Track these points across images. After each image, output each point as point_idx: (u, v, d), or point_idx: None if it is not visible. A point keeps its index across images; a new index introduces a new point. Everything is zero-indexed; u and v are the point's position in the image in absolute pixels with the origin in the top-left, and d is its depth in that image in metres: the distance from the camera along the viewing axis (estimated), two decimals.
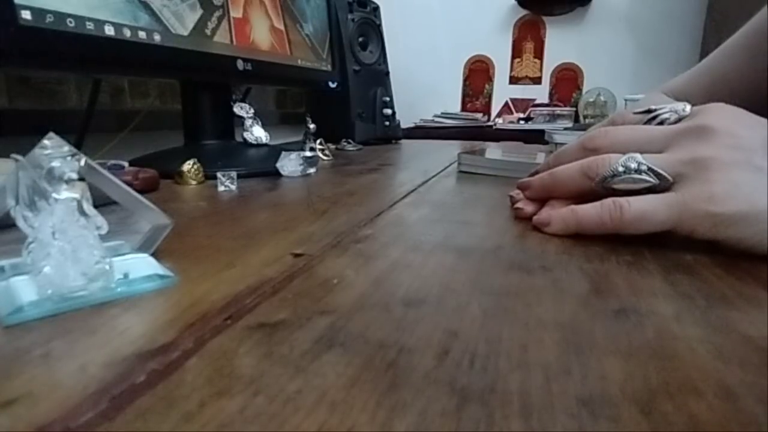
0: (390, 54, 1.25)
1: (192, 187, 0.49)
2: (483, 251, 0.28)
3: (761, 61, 0.51)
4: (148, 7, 0.49)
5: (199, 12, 0.55)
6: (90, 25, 0.43)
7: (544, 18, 2.04)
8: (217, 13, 0.58)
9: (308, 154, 0.59)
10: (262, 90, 1.28)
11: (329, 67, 0.85)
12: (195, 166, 0.51)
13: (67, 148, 0.20)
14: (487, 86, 2.14)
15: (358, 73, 1.11)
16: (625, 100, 1.60)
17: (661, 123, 0.32)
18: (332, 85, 0.86)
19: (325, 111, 1.08)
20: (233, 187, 0.48)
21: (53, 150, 0.20)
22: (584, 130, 0.61)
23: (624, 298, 0.21)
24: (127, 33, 0.47)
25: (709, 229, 0.26)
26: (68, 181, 0.19)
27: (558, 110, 1.92)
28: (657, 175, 0.28)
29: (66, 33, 0.41)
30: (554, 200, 0.34)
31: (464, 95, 2.17)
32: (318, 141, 0.77)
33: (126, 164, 0.49)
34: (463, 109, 2.14)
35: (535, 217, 0.33)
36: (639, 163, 0.29)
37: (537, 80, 2.09)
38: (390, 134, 1.17)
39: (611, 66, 1.98)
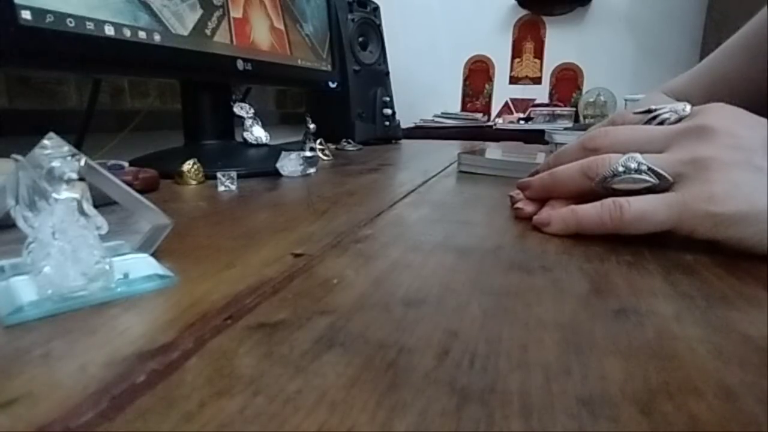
0: (390, 54, 1.25)
1: (192, 187, 0.49)
2: (483, 251, 0.28)
3: (761, 61, 0.51)
4: (148, 7, 0.49)
5: (199, 12, 0.55)
6: (90, 25, 0.43)
7: (544, 18, 2.04)
8: (217, 13, 0.58)
9: (308, 154, 0.59)
10: (262, 90, 1.28)
11: (329, 67, 0.85)
12: (195, 166, 0.51)
13: (67, 148, 0.20)
14: (487, 86, 2.14)
15: (358, 73, 1.11)
16: (625, 100, 1.60)
17: (661, 123, 0.32)
18: (332, 85, 0.86)
19: (325, 111, 1.08)
20: (233, 187, 0.48)
21: (53, 150, 0.20)
22: (584, 130, 0.62)
23: (624, 298, 0.21)
24: (127, 33, 0.47)
25: (709, 229, 0.26)
26: (68, 181, 0.19)
27: (558, 110, 1.92)
28: (657, 175, 0.28)
29: (66, 33, 0.41)
30: (554, 200, 0.34)
31: (464, 95, 2.17)
32: (318, 141, 0.77)
33: (126, 164, 0.49)
34: (463, 109, 2.14)
35: (535, 217, 0.33)
36: (639, 163, 0.29)
37: (537, 80, 2.09)
38: (390, 134, 1.18)
39: (611, 66, 1.98)
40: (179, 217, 0.35)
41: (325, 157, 0.75)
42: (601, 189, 0.31)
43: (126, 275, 0.21)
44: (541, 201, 0.35)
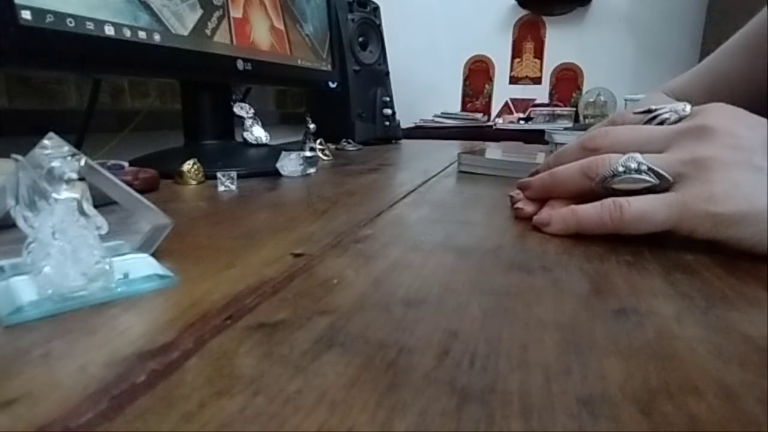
0: (390, 54, 1.25)
1: (192, 187, 0.49)
2: (483, 251, 0.28)
3: (761, 61, 0.51)
4: (148, 7, 0.49)
5: (199, 12, 0.55)
6: (90, 25, 0.43)
7: (544, 18, 2.04)
8: (217, 13, 0.58)
9: (308, 154, 0.59)
10: (262, 90, 1.28)
11: (329, 67, 0.85)
12: (195, 166, 0.51)
13: (67, 148, 0.20)
14: (487, 86, 2.14)
15: (358, 73, 1.11)
16: (625, 100, 1.60)
17: (662, 123, 0.32)
18: (332, 85, 0.86)
19: (325, 111, 1.08)
20: (233, 187, 0.48)
21: (53, 150, 0.20)
22: (584, 130, 0.62)
23: (624, 298, 0.21)
24: (127, 33, 0.47)
25: (709, 229, 0.26)
26: (68, 181, 0.19)
27: (558, 110, 1.92)
28: (657, 175, 0.28)
29: (66, 33, 0.41)
30: (554, 200, 0.34)
31: (464, 95, 2.17)
32: (318, 141, 0.77)
33: (126, 164, 0.49)
34: (463, 109, 2.14)
35: (535, 217, 0.33)
36: (639, 163, 0.29)
37: (537, 80, 2.09)
38: (390, 134, 1.17)
39: (611, 66, 1.98)
40: (179, 217, 0.35)
41: (325, 157, 0.75)
42: (601, 189, 0.31)
43: (126, 275, 0.21)
44: (541, 201, 0.35)
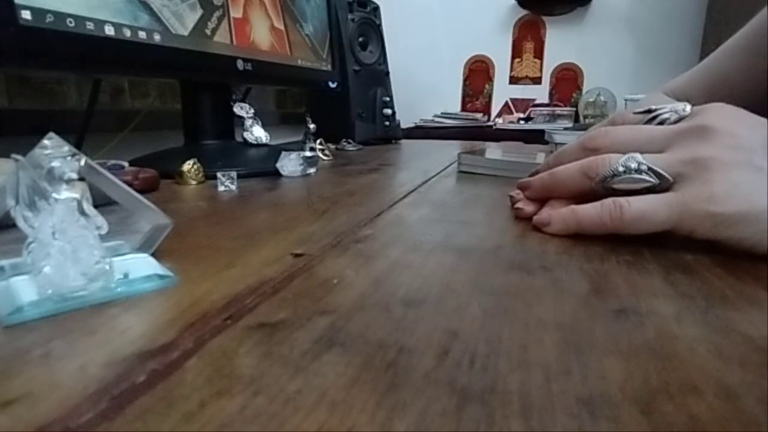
0: (390, 54, 1.25)
1: (192, 187, 0.49)
2: (483, 251, 0.28)
3: (762, 61, 0.51)
4: (148, 7, 0.49)
5: (199, 12, 0.55)
6: (90, 25, 0.43)
7: (544, 18, 2.04)
8: (217, 13, 0.58)
9: (308, 154, 0.59)
10: (262, 90, 1.28)
11: (329, 67, 0.85)
12: (195, 166, 0.51)
13: (67, 148, 0.20)
14: (487, 86, 2.14)
15: (358, 73, 1.11)
16: (625, 100, 1.60)
17: (662, 123, 0.32)
18: (332, 85, 0.86)
19: (325, 111, 1.08)
20: (233, 187, 0.48)
21: (53, 150, 0.20)
22: (584, 130, 0.62)
23: (624, 298, 0.21)
24: (127, 33, 0.47)
25: (709, 229, 0.26)
26: (68, 181, 0.19)
27: (558, 110, 1.92)
28: (657, 175, 0.28)
29: (66, 33, 0.41)
30: (554, 200, 0.34)
31: (464, 95, 2.17)
32: (318, 141, 0.77)
33: (126, 164, 0.49)
34: (463, 109, 2.14)
35: (535, 217, 0.33)
36: (639, 163, 0.29)
37: (537, 80, 2.09)
38: (390, 134, 1.17)
39: (611, 66, 1.98)
40: (179, 217, 0.35)
41: (325, 157, 0.75)
42: (601, 189, 0.31)
43: (126, 275, 0.21)
44: (541, 201, 0.35)
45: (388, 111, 1.16)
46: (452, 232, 0.32)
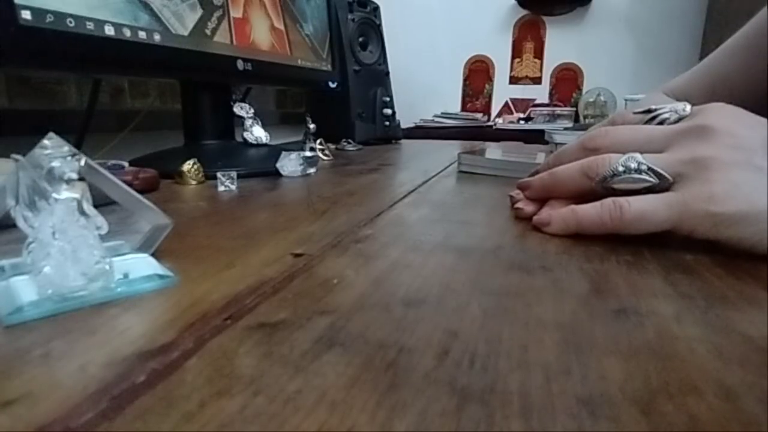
0: (390, 54, 1.25)
1: (192, 187, 0.49)
2: (483, 251, 0.28)
3: (761, 61, 0.51)
4: (148, 7, 0.49)
5: (199, 12, 0.55)
6: (90, 25, 0.43)
7: (544, 18, 2.04)
8: (217, 13, 0.58)
9: (308, 154, 0.59)
10: (262, 90, 1.28)
11: (329, 67, 0.85)
12: (195, 166, 0.51)
13: (67, 148, 0.20)
14: (487, 86, 2.14)
15: (358, 73, 1.11)
16: (625, 100, 1.60)
17: (662, 123, 0.32)
18: (332, 85, 0.86)
19: (325, 111, 1.08)
20: (233, 187, 0.48)
21: (53, 150, 0.20)
22: (584, 130, 0.62)
23: (624, 298, 0.21)
24: (127, 33, 0.47)
25: (709, 229, 0.26)
26: (68, 181, 0.19)
27: (558, 110, 1.92)
28: (657, 174, 0.28)
29: (66, 33, 0.41)
30: (554, 200, 0.34)
31: (464, 95, 2.17)
32: (318, 141, 0.77)
33: (126, 164, 0.49)
34: (463, 109, 2.14)
35: (535, 217, 0.33)
36: (639, 163, 0.29)
37: (537, 80, 2.09)
38: (390, 134, 1.17)
39: (611, 66, 1.98)
40: (179, 217, 0.35)
41: (325, 157, 0.75)
42: (601, 189, 0.31)
43: (126, 275, 0.21)
44: (541, 201, 0.35)
45: (388, 111, 1.16)
46: (452, 232, 0.32)
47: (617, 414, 0.13)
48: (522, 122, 1.88)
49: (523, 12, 2.05)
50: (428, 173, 0.60)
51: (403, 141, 1.24)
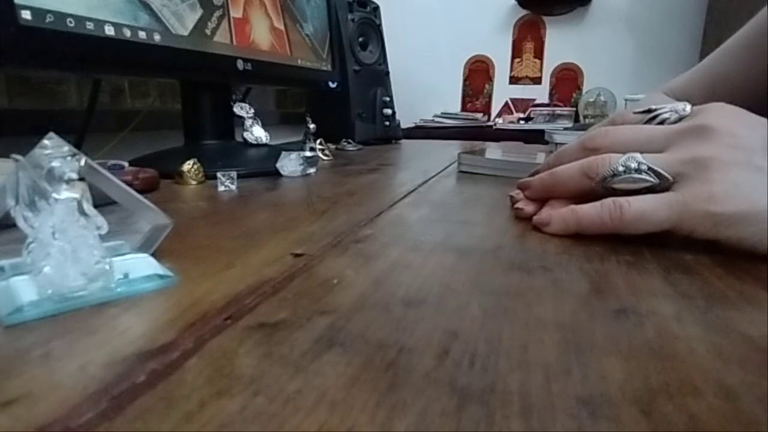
0: (390, 54, 1.25)
1: (192, 187, 0.49)
2: (483, 251, 0.28)
3: (762, 61, 0.51)
4: (148, 7, 0.49)
5: (199, 12, 0.55)
6: (90, 25, 0.43)
7: (544, 18, 2.04)
8: (217, 13, 0.58)
9: (308, 154, 0.59)
10: (262, 90, 1.28)
11: (329, 67, 0.85)
12: (195, 166, 0.51)
13: (67, 148, 0.20)
14: (487, 86, 2.14)
15: (358, 73, 1.11)
16: (625, 100, 1.60)
17: (662, 123, 0.32)
18: (332, 85, 0.86)
19: (325, 111, 1.08)
20: (233, 187, 0.48)
21: (53, 150, 0.20)
22: (584, 130, 0.62)
23: (624, 298, 0.21)
24: (127, 33, 0.47)
25: (709, 229, 0.26)
26: (68, 181, 0.19)
27: (558, 110, 1.92)
28: (657, 174, 0.28)
29: (66, 33, 0.41)
30: (554, 200, 0.34)
31: (464, 95, 2.17)
32: (318, 141, 0.77)
33: (126, 164, 0.49)
34: (463, 109, 2.14)
35: (535, 217, 0.33)
36: (639, 163, 0.29)
37: (537, 80, 2.09)
38: (390, 134, 1.17)
39: (611, 66, 1.98)
40: (179, 217, 0.35)
41: (325, 157, 0.75)
42: (601, 189, 0.31)
43: (126, 275, 0.21)
44: (541, 201, 0.35)
45: (388, 111, 1.16)
46: (452, 232, 0.32)
47: (617, 414, 0.13)
48: (522, 122, 1.88)
49: (523, 12, 2.05)
50: (428, 173, 0.60)
51: (403, 141, 1.24)
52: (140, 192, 0.24)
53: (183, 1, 0.53)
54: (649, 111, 0.34)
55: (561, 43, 2.04)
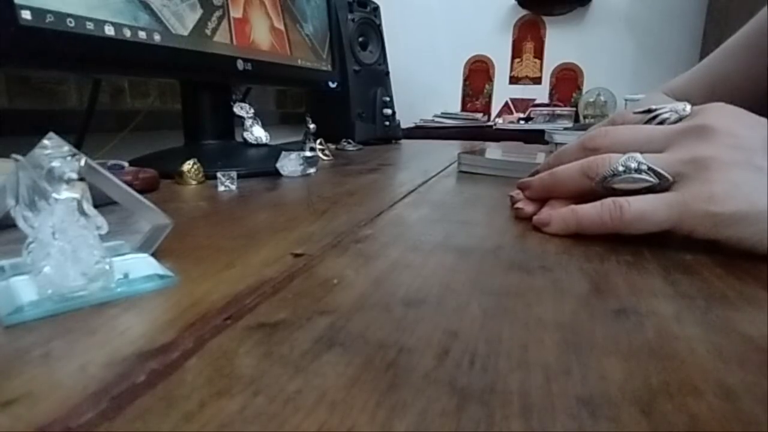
0: (390, 54, 1.25)
1: (192, 187, 0.49)
2: (483, 251, 0.28)
3: (762, 61, 0.51)
4: (148, 7, 0.49)
5: (199, 12, 0.55)
6: (90, 25, 0.43)
7: (544, 18, 2.04)
8: (217, 13, 0.58)
9: (308, 154, 0.59)
10: (262, 90, 1.28)
11: (329, 67, 0.85)
12: (195, 166, 0.51)
13: (67, 148, 0.20)
14: (487, 86, 2.14)
15: (358, 73, 1.11)
16: (625, 100, 1.60)
17: (662, 123, 0.32)
18: (332, 85, 0.86)
19: (325, 111, 1.08)
20: (233, 187, 0.48)
21: (53, 150, 0.20)
22: (584, 130, 0.62)
23: (624, 298, 0.21)
24: (127, 33, 0.47)
25: (709, 229, 0.26)
26: (68, 181, 0.19)
27: (558, 110, 1.92)
28: (657, 174, 0.28)
29: (66, 33, 0.41)
30: (554, 200, 0.34)
31: (464, 95, 2.17)
32: (318, 141, 0.77)
33: (126, 164, 0.49)
34: (463, 109, 2.14)
35: (535, 217, 0.33)
36: (639, 163, 0.29)
37: (537, 80, 2.09)
38: (390, 134, 1.17)
39: (611, 66, 1.98)
40: (179, 217, 0.35)
41: (325, 157, 0.75)
42: (601, 189, 0.31)
43: (126, 275, 0.21)
44: (541, 201, 0.35)
45: (388, 111, 1.16)
46: (452, 232, 0.32)
47: (617, 414, 0.13)
48: (522, 122, 1.88)
49: (523, 12, 2.05)
50: (428, 173, 0.60)
51: (403, 141, 1.24)
52: (140, 192, 0.24)
53: (183, 1, 0.53)
54: (649, 111, 0.34)
55: (561, 43, 2.04)
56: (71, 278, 0.19)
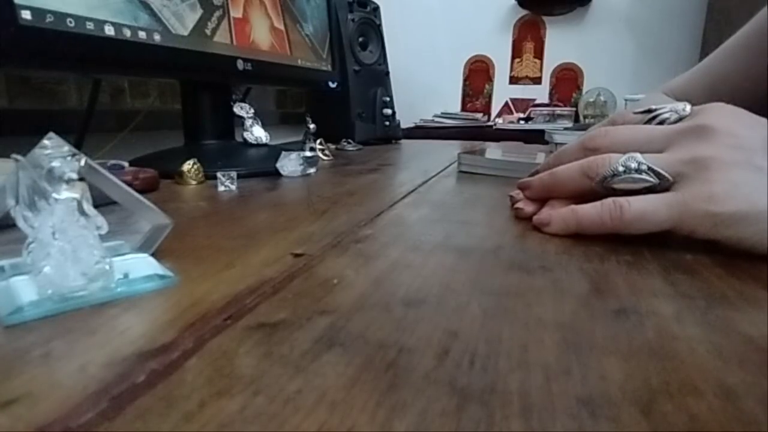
0: (390, 54, 1.25)
1: (192, 187, 0.49)
2: (483, 251, 0.28)
3: (762, 61, 0.51)
4: (148, 7, 0.49)
5: (199, 12, 0.55)
6: (90, 25, 0.43)
7: (544, 18, 2.04)
8: (217, 13, 0.58)
9: (308, 154, 0.59)
10: (262, 90, 1.28)
11: (329, 67, 0.85)
12: (195, 166, 0.51)
13: (67, 148, 0.20)
14: (487, 86, 2.14)
15: (358, 73, 1.11)
16: (625, 100, 1.60)
17: (662, 123, 0.32)
18: (332, 85, 0.86)
19: (325, 111, 1.08)
20: (233, 187, 0.48)
21: (53, 150, 0.20)
22: (584, 130, 0.62)
23: (624, 298, 0.21)
24: (127, 33, 0.47)
25: (709, 229, 0.26)
26: (68, 181, 0.19)
27: (558, 110, 1.92)
28: (657, 174, 0.28)
29: (66, 33, 0.41)
30: (554, 200, 0.34)
31: (464, 95, 2.17)
32: (318, 141, 0.77)
33: (126, 164, 0.49)
34: (463, 109, 2.14)
35: (535, 217, 0.33)
36: (639, 163, 0.29)
37: (537, 80, 2.09)
38: (390, 134, 1.17)
39: (611, 66, 1.98)
40: (179, 217, 0.35)
41: (325, 157, 0.75)
42: (601, 189, 0.31)
43: (126, 275, 0.21)
44: (541, 201, 0.35)
45: (388, 111, 1.16)
46: (452, 232, 0.32)
47: (617, 414, 0.13)
48: (522, 122, 1.88)
49: (523, 12, 2.05)
50: (428, 173, 0.60)
51: (403, 141, 1.24)
52: (140, 192, 0.24)
53: (183, 1, 0.53)
54: (649, 111, 0.34)
55: (561, 43, 2.04)
56: (71, 278, 0.19)
